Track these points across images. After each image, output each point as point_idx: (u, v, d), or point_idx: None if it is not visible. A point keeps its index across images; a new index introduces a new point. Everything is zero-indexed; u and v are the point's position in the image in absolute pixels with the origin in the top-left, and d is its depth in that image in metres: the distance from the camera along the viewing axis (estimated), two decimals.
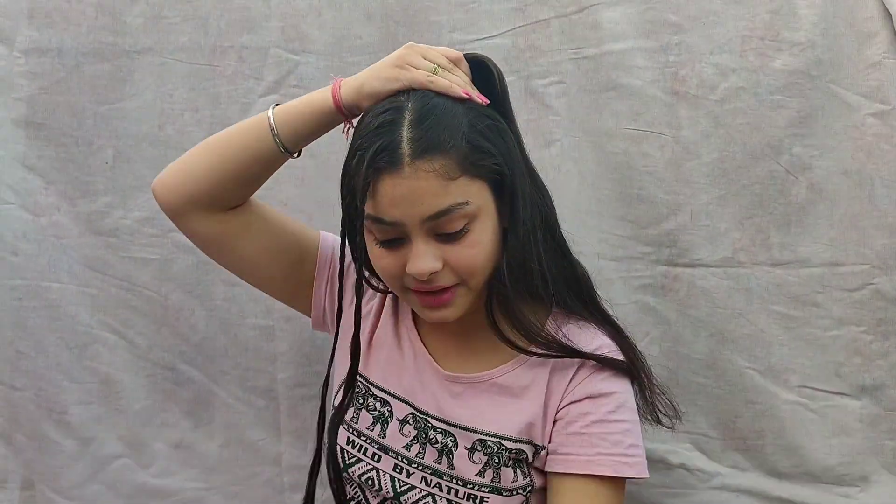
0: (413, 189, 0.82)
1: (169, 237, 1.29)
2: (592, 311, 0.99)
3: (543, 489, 0.95)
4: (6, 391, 1.33)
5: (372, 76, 0.89)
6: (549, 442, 0.92)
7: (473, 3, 1.22)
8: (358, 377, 0.98)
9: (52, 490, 1.34)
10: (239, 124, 0.98)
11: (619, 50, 1.19)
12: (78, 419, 1.33)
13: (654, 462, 1.23)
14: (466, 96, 0.86)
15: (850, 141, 1.17)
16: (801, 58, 1.15)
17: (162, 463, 1.35)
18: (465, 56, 0.92)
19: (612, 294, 1.20)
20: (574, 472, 0.88)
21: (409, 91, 0.87)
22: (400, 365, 0.98)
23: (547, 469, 0.93)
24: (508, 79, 1.20)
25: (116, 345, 1.32)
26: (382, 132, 0.83)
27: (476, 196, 0.85)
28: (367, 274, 0.96)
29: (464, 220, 0.84)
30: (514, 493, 0.91)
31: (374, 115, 0.86)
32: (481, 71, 0.92)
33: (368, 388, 0.99)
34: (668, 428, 1.05)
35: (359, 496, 0.99)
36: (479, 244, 0.86)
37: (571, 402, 0.91)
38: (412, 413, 0.96)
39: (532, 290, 0.91)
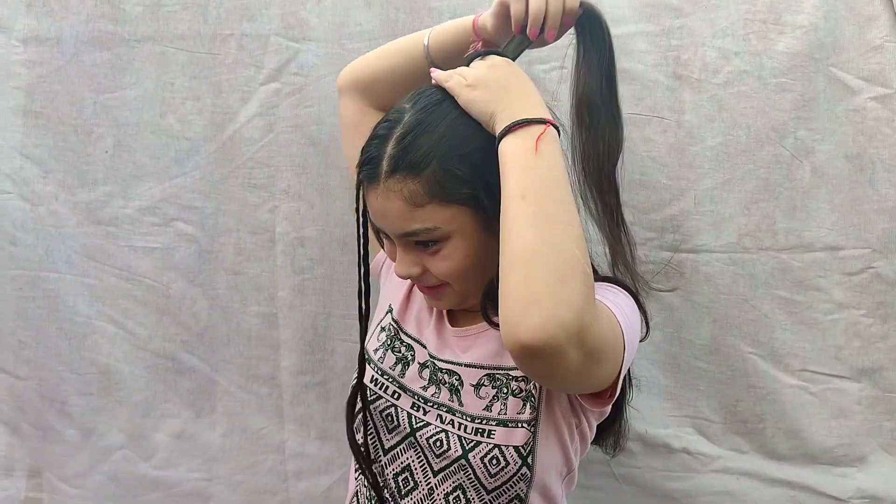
0: (385, 207, 0.88)
1: (171, 226, 1.29)
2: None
3: (552, 426, 0.95)
4: (10, 380, 1.33)
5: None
6: None
7: None
8: (393, 322, 1.06)
9: (58, 478, 1.34)
10: (406, 37, 1.06)
11: (620, 34, 1.17)
12: (78, 410, 1.33)
13: (657, 446, 1.24)
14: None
15: (851, 125, 1.17)
16: (804, 41, 1.15)
17: (163, 454, 1.35)
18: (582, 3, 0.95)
19: None
20: None
21: (420, 92, 0.92)
22: (427, 320, 1.04)
23: None
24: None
25: (115, 335, 1.32)
26: (374, 143, 0.89)
27: (447, 221, 0.88)
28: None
29: (434, 239, 0.89)
30: (520, 425, 0.93)
31: (384, 117, 0.92)
32: (591, 21, 0.95)
33: (398, 332, 1.04)
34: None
35: (374, 440, 1.01)
36: (452, 258, 0.90)
37: None
38: (430, 359, 1.00)
39: None
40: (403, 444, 0.98)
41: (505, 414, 0.93)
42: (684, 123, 1.18)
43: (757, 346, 1.21)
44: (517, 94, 0.87)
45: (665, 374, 1.24)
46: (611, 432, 1.08)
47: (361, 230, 0.97)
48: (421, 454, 0.97)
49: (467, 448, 0.93)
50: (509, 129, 0.83)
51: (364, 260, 0.98)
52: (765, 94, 1.16)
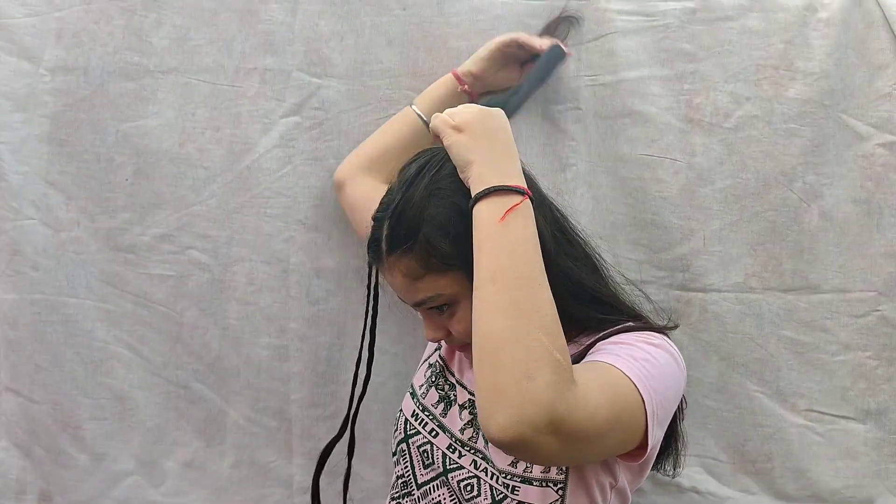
0: (393, 282, 0.94)
1: (185, 254, 1.30)
2: (620, 307, 1.01)
3: (583, 487, 0.93)
4: (25, 404, 1.33)
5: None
6: None
7: (492, 29, 1.23)
8: (440, 360, 1.08)
9: (68, 503, 1.34)
10: (395, 117, 1.21)
11: (634, 77, 1.21)
12: (92, 434, 1.33)
13: (666, 485, 1.24)
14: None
15: (859, 170, 1.19)
16: (815, 87, 1.17)
17: (173, 482, 1.34)
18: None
19: None
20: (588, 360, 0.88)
21: (408, 163, 0.95)
22: (468, 364, 1.04)
23: None
24: (525, 104, 1.23)
25: (131, 361, 1.32)
26: (375, 226, 0.94)
27: (448, 286, 0.90)
28: None
29: (445, 304, 0.92)
30: (545, 484, 0.91)
31: (383, 198, 0.95)
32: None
33: (444, 370, 1.06)
34: None
35: (408, 473, 1.01)
36: (466, 319, 0.89)
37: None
38: (470, 399, 1.01)
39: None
40: (437, 482, 0.98)
41: (530, 472, 0.92)
42: (695, 165, 1.20)
43: (763, 385, 1.22)
44: (500, 152, 0.85)
45: None
46: (667, 454, 1.03)
47: (371, 304, 1.05)
48: (454, 494, 0.97)
49: (497, 499, 0.93)
50: (486, 194, 0.82)
51: (371, 331, 1.08)
52: (774, 139, 1.18)
